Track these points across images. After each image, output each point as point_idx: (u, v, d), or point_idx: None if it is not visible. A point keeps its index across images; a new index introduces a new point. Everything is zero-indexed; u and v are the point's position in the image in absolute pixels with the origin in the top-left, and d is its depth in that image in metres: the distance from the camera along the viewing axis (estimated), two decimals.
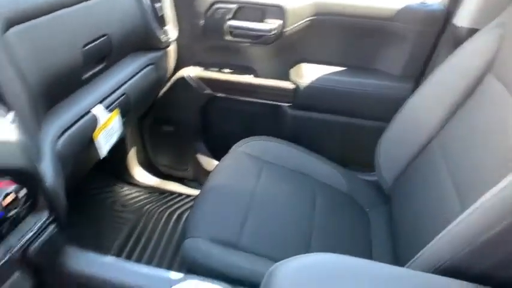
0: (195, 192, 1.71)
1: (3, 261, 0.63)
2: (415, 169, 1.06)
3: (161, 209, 1.64)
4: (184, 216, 1.60)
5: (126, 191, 1.73)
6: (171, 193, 1.74)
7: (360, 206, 1.20)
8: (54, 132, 0.83)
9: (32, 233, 0.69)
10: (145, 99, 1.32)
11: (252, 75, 1.37)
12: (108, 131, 1.03)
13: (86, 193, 1.65)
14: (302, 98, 1.35)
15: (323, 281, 0.57)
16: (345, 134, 1.38)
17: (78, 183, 0.85)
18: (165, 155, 1.74)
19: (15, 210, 0.63)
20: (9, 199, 0.61)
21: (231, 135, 1.36)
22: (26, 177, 0.66)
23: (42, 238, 0.70)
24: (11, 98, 0.68)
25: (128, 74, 1.14)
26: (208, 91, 1.44)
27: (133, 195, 1.72)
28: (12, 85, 0.68)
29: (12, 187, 0.61)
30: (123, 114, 1.10)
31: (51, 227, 0.73)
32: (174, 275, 0.77)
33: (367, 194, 1.24)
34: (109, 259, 0.80)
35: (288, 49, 1.33)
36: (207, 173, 1.16)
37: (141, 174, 1.76)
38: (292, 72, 1.37)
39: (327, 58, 1.34)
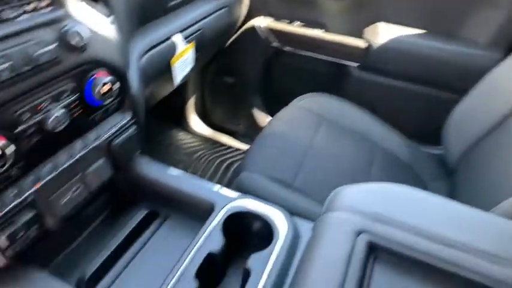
0: (245, 146, 1.75)
1: (93, 145, 0.69)
2: (487, 146, 1.01)
3: (212, 157, 1.70)
4: (233, 167, 1.65)
5: (181, 136, 1.81)
6: (222, 144, 1.79)
7: (419, 178, 1.17)
8: (140, 49, 0.88)
9: (116, 128, 0.74)
10: (217, 40, 1.35)
11: (323, 30, 1.35)
12: (184, 61, 1.07)
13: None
14: (373, 58, 1.31)
15: (393, 203, 0.57)
16: (414, 102, 1.33)
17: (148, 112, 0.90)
18: (221, 107, 1.78)
19: (110, 100, 0.68)
20: (106, 88, 0.66)
21: (291, 92, 1.36)
22: (118, 74, 0.71)
23: (124, 135, 0.76)
24: (114, 4, 0.73)
25: (205, 11, 1.17)
26: (275, 44, 1.45)
27: (187, 141, 1.79)
28: None
29: (109, 78, 0.66)
30: (197, 49, 1.14)
31: (133, 128, 0.78)
32: (233, 193, 0.80)
33: (429, 166, 1.20)
34: (175, 170, 0.84)
35: (365, 6, 1.30)
36: (259, 129, 1.18)
37: (196, 123, 1.82)
38: (367, 31, 1.33)
39: (406, 19, 1.29)
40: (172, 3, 1.01)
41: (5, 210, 0.55)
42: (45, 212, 0.63)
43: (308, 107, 1.25)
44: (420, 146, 1.31)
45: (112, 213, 0.85)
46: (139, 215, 0.82)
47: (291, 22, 1.40)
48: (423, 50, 1.25)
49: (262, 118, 1.67)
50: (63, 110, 0.59)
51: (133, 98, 0.77)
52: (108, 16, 0.71)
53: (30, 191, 0.59)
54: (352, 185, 0.63)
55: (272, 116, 1.36)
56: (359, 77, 1.38)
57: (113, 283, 0.71)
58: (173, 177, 0.83)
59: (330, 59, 1.40)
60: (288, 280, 0.66)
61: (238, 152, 1.74)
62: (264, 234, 0.74)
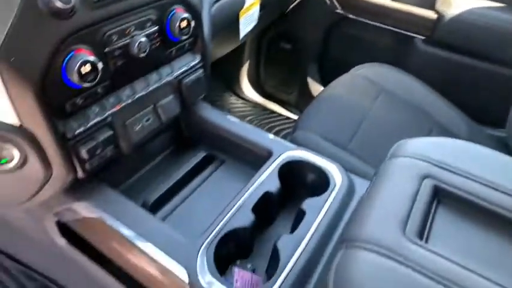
0: (295, 116, 1.76)
1: (166, 80, 0.73)
2: None
3: (261, 123, 1.72)
4: (281, 134, 1.66)
5: (232, 100, 1.84)
6: (272, 112, 1.80)
7: None
8: None
9: (187, 67, 0.78)
10: (281, 1, 1.35)
11: None
12: (249, 16, 1.09)
13: None
14: (443, 31, 1.25)
15: (458, 154, 0.56)
16: (480, 81, 1.26)
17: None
18: (274, 74, 1.79)
19: (185, 37, 0.71)
20: (184, 24, 0.69)
21: (349, 63, 1.33)
22: (194, 13, 0.73)
23: (193, 76, 0.79)
24: None
25: None
26: (339, 10, 1.42)
27: (238, 105, 1.83)
28: None
29: (186, 14, 0.69)
30: (261, 7, 1.14)
31: (201, 71, 0.81)
32: (291, 144, 0.81)
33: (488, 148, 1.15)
34: (235, 118, 0.87)
35: None
36: (311, 98, 1.17)
37: (248, 90, 1.85)
38: (439, 0, 1.27)
39: None
40: None
41: (88, 125, 0.61)
42: (121, 135, 0.68)
43: (367, 76, 1.22)
44: (481, 126, 1.25)
45: (174, 151, 0.90)
46: (198, 156, 0.86)
47: None
48: (501, 25, 1.17)
49: (316, 88, 1.66)
50: (145, 38, 0.63)
51: (204, 41, 0.80)
52: None
53: (110, 111, 0.64)
54: (417, 138, 0.63)
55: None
56: (425, 51, 1.32)
57: (174, 210, 0.76)
58: (233, 123, 0.86)
59: (394, 29, 1.35)
60: (341, 226, 0.67)
61: (288, 121, 1.75)
62: (318, 185, 0.75)
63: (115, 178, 0.75)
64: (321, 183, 0.74)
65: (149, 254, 0.60)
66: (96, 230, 0.66)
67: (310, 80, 1.66)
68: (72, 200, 0.67)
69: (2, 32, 0.47)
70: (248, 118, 1.75)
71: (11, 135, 0.53)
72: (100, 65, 0.56)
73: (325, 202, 0.68)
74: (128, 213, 0.65)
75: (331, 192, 0.70)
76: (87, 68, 0.54)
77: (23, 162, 0.57)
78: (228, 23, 1.03)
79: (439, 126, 1.14)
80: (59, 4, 0.49)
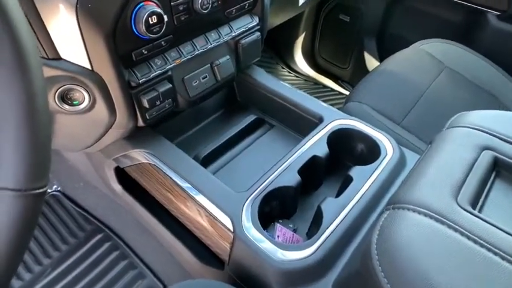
0: (347, 92, 1.72)
1: (225, 39, 0.75)
2: None
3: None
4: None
5: (284, 72, 1.83)
6: (324, 86, 1.77)
7: None
8: None
9: (245, 29, 0.79)
10: None
11: None
12: None
13: None
14: None
15: None
16: None
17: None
18: (330, 46, 1.74)
19: None
20: None
21: (410, 40, 1.26)
22: None
23: (250, 38, 0.80)
24: None
25: None
26: None
27: (289, 77, 1.82)
28: None
29: None
30: None
31: (258, 34, 0.82)
32: (342, 113, 0.80)
33: None
34: (287, 85, 0.87)
35: None
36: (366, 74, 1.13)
37: (301, 62, 1.82)
38: None
39: None
40: None
41: (150, 76, 0.64)
42: (179, 89, 0.71)
43: (430, 51, 1.16)
44: None
45: (226, 113, 0.93)
46: (249, 119, 0.88)
47: None
48: None
49: (373, 64, 1.60)
50: None
51: (263, 3, 0.80)
52: None
53: (171, 65, 0.67)
54: (477, 110, 0.59)
55: None
56: (497, 28, 1.22)
57: (223, 167, 0.79)
58: (286, 88, 0.86)
59: (465, 3, 1.25)
60: (388, 196, 0.66)
61: (340, 96, 1.71)
62: (368, 156, 0.74)
63: (170, 132, 0.80)
64: (370, 153, 0.73)
65: (199, 202, 0.63)
66: (151, 176, 0.71)
67: (367, 56, 1.60)
68: (131, 147, 0.72)
69: None
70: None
71: (82, 77, 0.58)
72: (165, 18, 0.58)
73: (374, 171, 0.67)
74: (181, 164, 0.69)
75: (380, 162, 0.69)
76: (153, 19, 0.57)
77: (92, 105, 0.62)
78: None
79: (506, 110, 1.06)
80: None
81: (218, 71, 0.76)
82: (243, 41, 0.79)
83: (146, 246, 0.96)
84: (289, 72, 1.83)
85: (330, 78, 1.80)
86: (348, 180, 0.66)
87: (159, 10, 0.57)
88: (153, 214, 0.82)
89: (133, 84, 0.62)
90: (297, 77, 1.82)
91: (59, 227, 1.05)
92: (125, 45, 0.58)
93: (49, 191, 1.13)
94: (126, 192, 0.85)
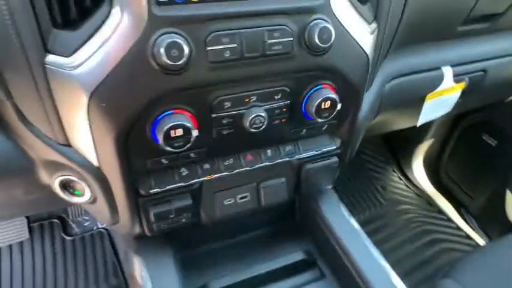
0: (469, 230, 1.32)
1: (284, 160, 0.58)
2: None
3: (418, 219, 1.36)
4: (439, 246, 1.27)
5: (395, 177, 1.54)
6: (440, 211, 1.42)
7: None
8: (388, 73, 0.69)
9: (318, 152, 0.61)
10: (497, 90, 1.01)
11: None
12: (441, 101, 0.82)
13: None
14: None
15: None
16: None
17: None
18: (461, 167, 1.40)
19: (323, 120, 0.55)
20: (327, 105, 0.52)
21: None
22: (349, 93, 0.56)
23: (322, 163, 0.62)
24: (385, 9, 0.57)
25: (493, 50, 0.86)
26: None
27: (399, 185, 1.52)
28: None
29: (334, 95, 0.52)
30: (464, 93, 0.86)
31: (335, 159, 0.63)
32: None
33: None
34: (356, 226, 0.65)
35: None
36: (502, 221, 0.79)
37: (419, 172, 1.51)
38: None
39: None
40: (464, 28, 0.76)
41: (166, 188, 0.52)
42: (205, 205, 0.57)
43: None
44: None
45: (269, 233, 0.75)
46: (296, 255, 0.68)
47: None
48: None
49: None
50: (265, 113, 0.50)
51: (352, 126, 0.62)
52: (370, 23, 0.56)
53: (200, 179, 0.54)
54: None
55: None
56: None
57: None
58: (352, 235, 0.64)
59: None
60: None
61: (455, 232, 1.34)
62: None
63: (185, 240, 0.66)
64: None
65: None
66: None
67: (509, 196, 1.22)
68: (132, 249, 0.61)
69: (103, 73, 0.42)
70: (405, 207, 1.42)
71: (86, 172, 0.49)
72: (195, 133, 0.46)
73: None
74: None
75: None
76: (177, 132, 0.45)
77: (93, 201, 0.53)
78: (407, 104, 0.81)
79: None
80: (166, 60, 0.41)
81: (264, 195, 0.60)
82: (310, 166, 0.61)
83: None
84: (400, 179, 1.54)
85: (451, 203, 1.43)
86: None
87: (187, 124, 0.45)
88: None
89: (142, 192, 0.51)
90: (408, 187, 1.51)
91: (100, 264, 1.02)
92: (140, 151, 0.48)
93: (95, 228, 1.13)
94: None
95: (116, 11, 0.41)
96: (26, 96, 0.44)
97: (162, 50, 0.40)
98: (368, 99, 0.64)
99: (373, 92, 0.66)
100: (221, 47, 0.44)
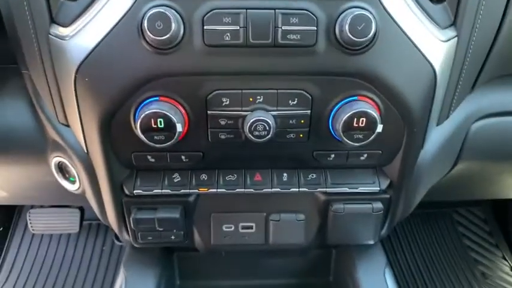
0: None
1: (305, 190, 0.46)
2: None
3: None
4: None
5: (505, 267, 1.18)
6: None
7: None
8: (472, 110, 0.51)
9: (353, 190, 0.46)
10: None
11: None
12: None
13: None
14: None
15: None
16: None
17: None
18: None
19: (358, 144, 0.41)
20: (361, 123, 0.39)
21: None
22: (406, 118, 0.42)
23: (357, 206, 0.47)
24: (469, 15, 0.42)
25: None
26: None
27: (510, 280, 1.15)
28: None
29: (375, 114, 0.39)
30: None
31: (378, 205, 0.48)
32: None
33: None
34: None
35: None
36: None
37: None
38: None
39: None
40: None
41: (152, 191, 0.45)
42: (200, 226, 0.48)
43: None
44: None
45: (287, 286, 0.60)
46: None
47: None
48: None
49: None
50: (272, 120, 0.39)
51: (407, 166, 0.46)
52: (444, 27, 0.41)
53: (192, 190, 0.45)
54: None
55: None
56: None
57: None
58: None
59: None
60: None
61: None
62: None
63: (182, 268, 0.57)
64: None
65: None
66: None
67: None
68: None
69: (90, 45, 0.38)
70: None
71: (76, 157, 0.45)
72: (179, 127, 0.38)
73: None
74: None
75: None
76: (158, 123, 0.38)
77: (82, 191, 0.49)
78: (500, 155, 0.59)
79: None
80: (149, 34, 0.35)
81: (274, 230, 0.48)
82: (339, 206, 0.47)
83: None
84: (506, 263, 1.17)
85: None
86: None
87: (168, 114, 0.37)
88: None
89: (126, 191, 0.45)
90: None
91: None
92: (124, 140, 0.42)
93: None
94: None
95: None
96: (34, 67, 0.43)
97: (145, 22, 0.35)
98: (439, 136, 0.48)
99: (449, 128, 0.48)
100: (221, 27, 0.36)
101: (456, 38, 0.42)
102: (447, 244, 1.20)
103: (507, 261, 1.20)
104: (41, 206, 0.95)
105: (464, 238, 1.21)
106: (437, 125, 0.47)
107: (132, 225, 0.46)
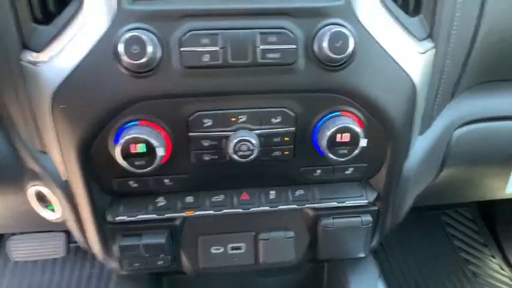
0: None
1: (289, 207, 0.45)
2: None
3: None
4: None
5: (494, 263, 1.19)
6: None
7: None
8: (456, 116, 0.51)
9: (340, 204, 0.46)
10: None
11: None
12: None
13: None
14: None
15: None
16: None
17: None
18: None
19: (343, 159, 0.41)
20: (344, 138, 0.39)
21: None
22: (382, 126, 0.42)
23: (344, 220, 0.47)
24: (444, 24, 0.43)
25: None
26: None
27: (501, 279, 1.16)
28: None
29: (358, 128, 0.39)
30: None
31: (367, 218, 0.47)
32: None
33: None
34: None
35: None
36: None
37: None
38: None
39: None
40: None
41: (138, 217, 0.44)
42: (186, 249, 0.47)
43: None
44: None
45: None
46: None
47: None
48: None
49: None
50: (256, 141, 0.39)
51: (393, 177, 0.46)
52: (421, 39, 0.42)
53: (178, 214, 0.44)
54: None
55: None
56: None
57: None
58: None
59: None
60: None
61: None
62: None
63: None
64: None
65: None
66: None
67: None
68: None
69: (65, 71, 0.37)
70: None
71: (55, 186, 0.44)
72: (160, 152, 0.37)
73: None
74: None
75: None
76: (138, 148, 0.37)
77: (63, 220, 0.47)
78: (488, 158, 0.59)
79: None
80: (125, 58, 0.34)
81: (264, 250, 0.47)
82: (328, 221, 0.47)
83: None
84: (502, 269, 1.18)
85: None
86: None
87: (148, 139, 0.36)
88: None
89: (109, 218, 0.44)
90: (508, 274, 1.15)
91: None
92: (104, 167, 0.41)
93: None
94: None
95: (88, 3, 0.36)
96: (8, 95, 0.42)
97: (120, 46, 0.34)
98: (422, 146, 0.48)
99: (432, 137, 0.49)
100: (199, 49, 0.36)
101: (434, 49, 0.42)
102: (437, 246, 1.21)
103: (496, 259, 1.22)
104: (22, 233, 0.92)
105: (453, 239, 1.23)
106: (420, 134, 0.48)
107: (117, 253, 0.45)
